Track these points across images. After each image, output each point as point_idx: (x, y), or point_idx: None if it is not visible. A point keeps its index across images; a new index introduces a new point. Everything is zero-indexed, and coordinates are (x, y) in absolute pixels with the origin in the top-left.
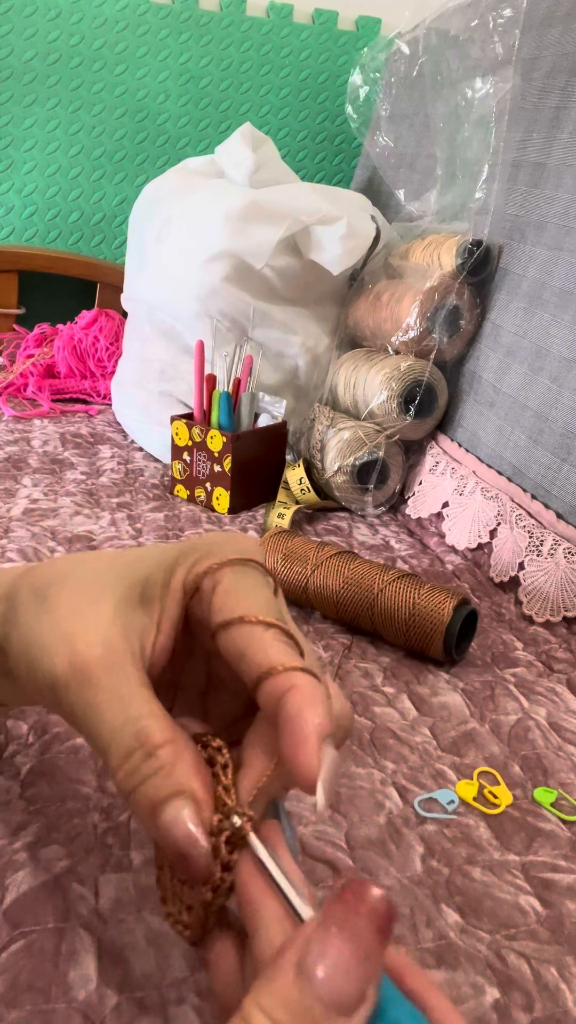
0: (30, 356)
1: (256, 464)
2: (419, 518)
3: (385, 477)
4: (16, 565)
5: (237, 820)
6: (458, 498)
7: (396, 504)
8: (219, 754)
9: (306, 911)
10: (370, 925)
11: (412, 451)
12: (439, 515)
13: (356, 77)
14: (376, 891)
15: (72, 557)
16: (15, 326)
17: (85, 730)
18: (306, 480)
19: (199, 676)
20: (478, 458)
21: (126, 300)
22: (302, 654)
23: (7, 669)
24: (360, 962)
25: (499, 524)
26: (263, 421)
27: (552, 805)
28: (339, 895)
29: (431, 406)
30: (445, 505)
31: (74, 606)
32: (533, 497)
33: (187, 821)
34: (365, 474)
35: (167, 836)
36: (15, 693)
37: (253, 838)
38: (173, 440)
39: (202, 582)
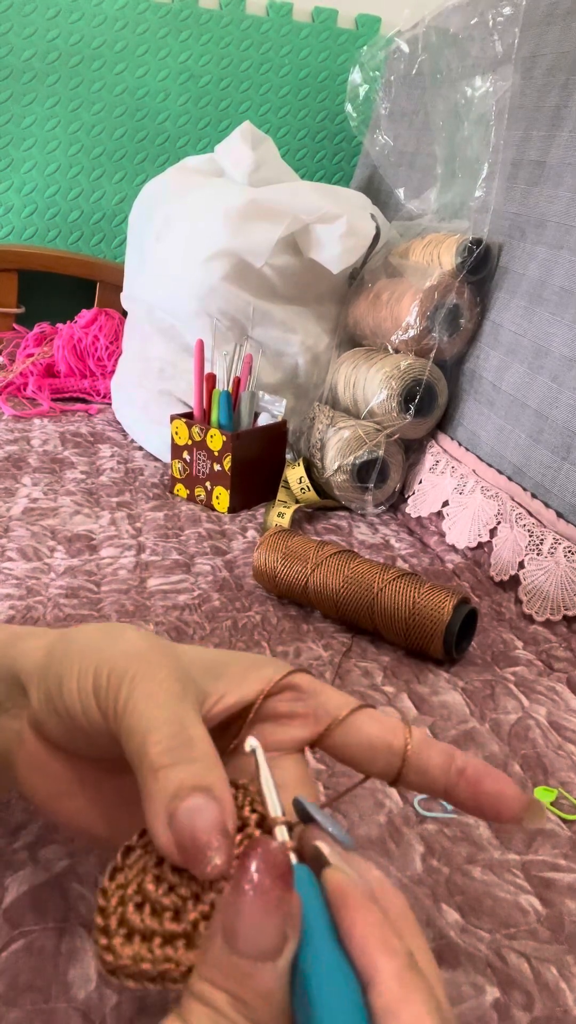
0: (30, 355)
1: (256, 463)
2: (419, 517)
3: (385, 476)
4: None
5: (280, 834)
6: (458, 497)
7: (396, 503)
8: (244, 789)
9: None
10: (270, 875)
11: (412, 450)
12: (439, 514)
13: (356, 75)
14: (270, 843)
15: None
16: (15, 325)
17: (131, 715)
18: (306, 479)
19: None
20: (478, 457)
21: (126, 299)
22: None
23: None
24: (268, 912)
25: (499, 523)
26: (263, 420)
27: (552, 804)
28: (241, 856)
29: (431, 405)
30: (445, 504)
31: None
32: (533, 496)
33: (214, 813)
34: (365, 473)
35: (185, 824)
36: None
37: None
38: (173, 439)
39: (283, 691)
